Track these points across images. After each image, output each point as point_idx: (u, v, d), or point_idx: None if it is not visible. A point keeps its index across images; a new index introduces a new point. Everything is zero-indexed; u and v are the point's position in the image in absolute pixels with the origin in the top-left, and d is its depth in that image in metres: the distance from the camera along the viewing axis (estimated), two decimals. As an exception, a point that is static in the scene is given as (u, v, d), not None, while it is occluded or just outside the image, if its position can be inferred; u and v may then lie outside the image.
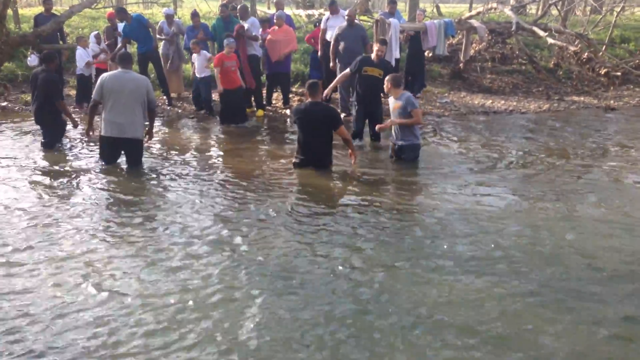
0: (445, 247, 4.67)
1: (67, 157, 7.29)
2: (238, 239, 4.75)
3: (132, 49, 11.39)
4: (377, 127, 7.61)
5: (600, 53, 13.56)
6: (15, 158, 7.17)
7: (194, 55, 10.02)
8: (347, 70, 8.25)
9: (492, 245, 4.70)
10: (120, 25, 10.93)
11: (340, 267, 4.27)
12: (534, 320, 3.60)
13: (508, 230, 5.05)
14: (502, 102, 11.69)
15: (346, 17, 9.84)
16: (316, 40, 10.70)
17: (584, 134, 9.19)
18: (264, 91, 10.73)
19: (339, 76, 8.57)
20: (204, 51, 10.19)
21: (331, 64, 10.01)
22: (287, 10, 13.81)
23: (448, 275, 4.18)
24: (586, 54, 13.18)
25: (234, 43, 9.35)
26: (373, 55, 8.05)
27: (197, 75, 10.00)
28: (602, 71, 13.10)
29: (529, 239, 4.86)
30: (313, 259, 4.41)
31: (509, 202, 5.79)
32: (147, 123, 7.01)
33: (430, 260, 4.43)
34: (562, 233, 5.01)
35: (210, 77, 10.01)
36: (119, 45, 10.36)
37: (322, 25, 10.67)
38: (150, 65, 10.76)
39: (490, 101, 11.69)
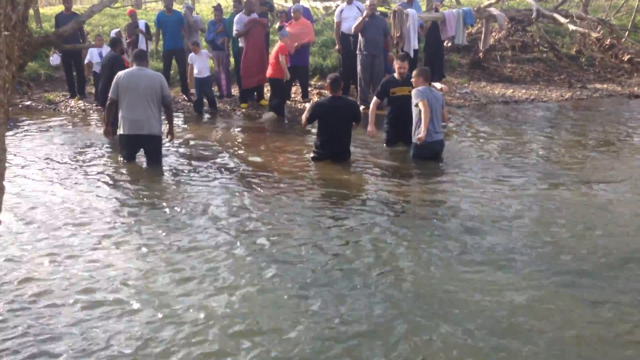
0: (471, 240, 4.65)
1: (89, 155, 7.37)
2: (262, 238, 4.77)
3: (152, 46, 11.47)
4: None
5: (623, 39, 13.33)
6: (38, 155, 7.28)
7: (193, 56, 9.84)
8: (376, 99, 7.47)
9: (520, 239, 4.66)
10: (141, 22, 11.06)
11: (365, 264, 4.28)
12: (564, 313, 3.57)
13: (536, 223, 5.01)
14: (523, 91, 11.56)
15: (368, 6, 9.82)
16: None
17: (608, 123, 9.06)
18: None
19: (372, 106, 7.48)
20: (204, 50, 10.15)
21: (337, 47, 10.62)
22: (304, 3, 13.78)
23: (476, 269, 4.16)
24: (608, 40, 12.95)
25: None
26: (396, 74, 7.47)
27: (199, 75, 9.81)
28: (625, 57, 12.85)
29: (564, 231, 4.82)
30: (339, 255, 4.42)
31: (535, 195, 5.74)
32: (166, 123, 7.04)
33: (461, 255, 4.41)
34: (591, 225, 4.96)
35: (210, 77, 10.11)
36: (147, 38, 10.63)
37: (336, 18, 10.67)
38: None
39: (511, 90, 11.58)
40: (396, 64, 7.55)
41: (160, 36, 10.80)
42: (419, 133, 6.71)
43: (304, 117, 7.08)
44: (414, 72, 7.09)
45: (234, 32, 9.95)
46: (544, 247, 4.50)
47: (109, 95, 6.79)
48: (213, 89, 11.03)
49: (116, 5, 12.86)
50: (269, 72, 9.62)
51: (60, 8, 14.59)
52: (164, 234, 4.81)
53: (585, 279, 3.98)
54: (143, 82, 6.63)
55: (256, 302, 3.71)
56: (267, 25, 10.42)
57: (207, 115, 9.92)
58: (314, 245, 4.57)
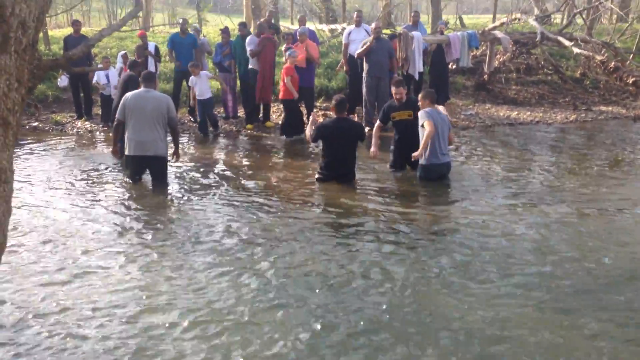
0: (475, 261, 4.63)
1: (96, 176, 7.41)
2: (267, 257, 4.76)
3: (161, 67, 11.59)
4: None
5: (628, 62, 13.38)
6: (43, 176, 7.31)
7: (193, 79, 9.92)
8: (379, 122, 7.54)
9: (525, 263, 4.64)
10: (151, 45, 11.21)
11: (368, 284, 4.26)
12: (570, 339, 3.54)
13: (541, 247, 4.99)
14: (528, 113, 11.59)
15: (373, 29, 9.91)
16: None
17: (614, 145, 9.05)
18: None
19: (375, 129, 7.52)
20: (204, 72, 10.18)
21: (345, 68, 10.66)
22: (310, 25, 13.93)
23: (481, 288, 4.14)
24: (613, 63, 13.01)
25: (296, 53, 9.56)
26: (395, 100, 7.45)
27: (201, 97, 9.88)
28: (630, 80, 12.90)
29: (565, 257, 4.79)
30: (341, 274, 4.40)
31: (540, 218, 5.71)
32: (172, 145, 7.08)
33: (465, 276, 4.39)
34: (596, 246, 4.93)
35: (212, 98, 10.16)
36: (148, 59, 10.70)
37: (344, 40, 10.83)
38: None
39: (516, 112, 11.60)
40: (392, 89, 7.49)
41: (173, 55, 10.99)
42: (424, 153, 6.73)
43: (307, 133, 7.14)
44: (420, 95, 7.12)
45: (248, 52, 10.04)
46: (546, 268, 4.47)
47: (116, 116, 6.85)
48: (219, 110, 11.14)
49: (124, 28, 13.04)
50: (280, 94, 9.79)
51: (69, 30, 14.80)
52: (167, 255, 4.81)
53: (586, 299, 3.95)
54: (150, 104, 6.68)
55: (255, 327, 3.69)
56: (276, 44, 10.62)
57: (212, 136, 9.97)
58: (317, 268, 4.55)
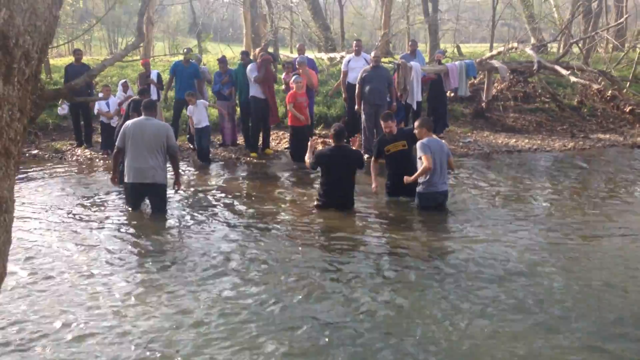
0: (471, 290, 4.60)
1: (94, 203, 7.41)
2: (264, 284, 4.74)
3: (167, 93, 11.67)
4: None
5: (625, 90, 13.49)
6: (43, 204, 7.31)
7: (190, 108, 9.97)
8: (373, 158, 7.45)
9: (519, 290, 4.62)
10: (154, 72, 11.31)
11: (366, 311, 4.23)
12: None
13: (537, 274, 4.97)
14: (526, 140, 11.64)
15: (372, 58, 10.00)
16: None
17: (612, 173, 9.08)
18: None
19: (372, 165, 7.44)
20: (201, 100, 10.16)
21: (356, 107, 10.15)
22: (309, 54, 14.07)
23: (472, 317, 4.11)
24: (610, 91, 13.13)
25: (301, 79, 9.68)
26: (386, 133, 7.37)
27: (198, 126, 9.92)
28: (627, 108, 13.01)
29: (562, 284, 4.77)
30: (339, 302, 4.37)
31: (538, 246, 5.70)
32: (172, 174, 7.06)
33: (460, 304, 4.36)
34: (597, 276, 4.91)
35: (209, 126, 10.16)
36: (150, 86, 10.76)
37: (343, 67, 10.93)
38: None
39: (514, 140, 11.66)
40: (382, 124, 7.46)
41: (173, 83, 11.07)
42: (422, 181, 6.76)
43: (307, 159, 7.18)
44: (416, 124, 7.13)
45: (253, 79, 10.12)
46: (544, 297, 4.45)
47: (116, 143, 6.86)
48: (217, 137, 11.17)
49: (127, 58, 13.16)
50: (288, 120, 9.97)
51: (70, 59, 14.93)
52: (166, 284, 4.78)
53: (583, 327, 3.92)
54: (149, 132, 6.71)
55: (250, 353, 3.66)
56: (274, 64, 10.81)
57: (212, 164, 9.99)
58: (316, 294, 4.53)
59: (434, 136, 7.08)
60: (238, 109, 11.13)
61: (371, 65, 9.97)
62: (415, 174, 6.73)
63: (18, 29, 2.10)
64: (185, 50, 10.89)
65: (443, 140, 7.15)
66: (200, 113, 9.89)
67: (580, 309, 4.27)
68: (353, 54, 10.96)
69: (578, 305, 4.34)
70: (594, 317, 4.13)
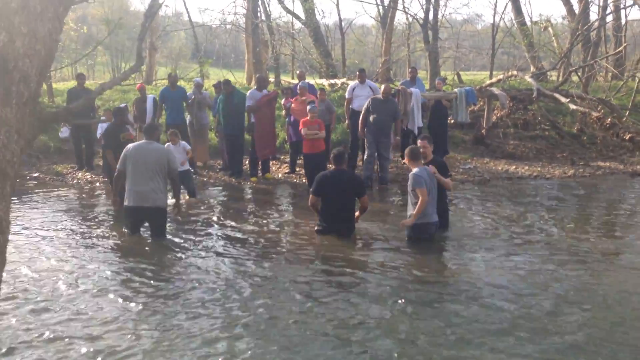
0: (471, 317, 4.56)
1: (93, 226, 7.39)
2: (262, 311, 4.70)
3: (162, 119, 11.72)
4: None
5: (624, 118, 13.55)
6: (41, 227, 7.29)
7: (171, 147, 8.76)
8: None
9: (517, 315, 4.58)
10: (150, 97, 11.36)
11: (367, 340, 4.19)
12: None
13: (537, 301, 4.93)
14: (526, 167, 11.65)
15: (382, 93, 9.97)
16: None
17: (613, 200, 9.07)
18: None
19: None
20: (183, 142, 9.39)
21: (359, 132, 10.14)
22: (310, 80, 14.17)
23: (478, 346, 4.07)
24: (609, 119, 13.19)
25: (316, 108, 9.56)
26: None
27: (179, 168, 8.15)
28: (627, 136, 13.06)
29: (562, 311, 4.74)
30: (338, 327, 4.34)
31: (536, 273, 5.67)
32: (172, 200, 7.02)
33: (459, 332, 4.32)
34: (596, 304, 4.87)
35: (190, 170, 9.45)
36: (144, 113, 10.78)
37: (347, 95, 10.95)
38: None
39: (514, 167, 11.67)
40: (418, 142, 7.17)
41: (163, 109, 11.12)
42: (414, 212, 6.51)
43: (311, 194, 6.98)
44: (406, 153, 6.83)
45: (247, 107, 10.15)
46: (545, 326, 4.41)
47: (117, 166, 6.87)
48: (218, 162, 11.17)
49: (127, 82, 13.28)
50: (303, 147, 9.69)
51: (73, 84, 15.06)
52: (163, 311, 4.74)
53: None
54: (151, 155, 6.72)
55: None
56: (276, 99, 10.78)
57: (212, 188, 9.98)
58: (314, 320, 4.49)
59: (422, 163, 6.76)
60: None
61: (381, 96, 9.93)
62: (414, 213, 6.47)
63: (17, 52, 2.12)
64: (168, 75, 11.00)
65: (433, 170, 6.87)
66: (180, 154, 8.90)
67: (581, 336, 4.23)
68: (357, 81, 10.98)
69: (578, 333, 4.30)
70: (596, 347, 4.09)
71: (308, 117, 9.41)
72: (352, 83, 11.59)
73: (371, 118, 9.81)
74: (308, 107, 9.52)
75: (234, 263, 5.94)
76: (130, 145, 6.92)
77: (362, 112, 10.01)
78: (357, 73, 11.26)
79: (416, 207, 6.45)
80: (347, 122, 11.05)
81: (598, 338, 4.22)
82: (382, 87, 10.27)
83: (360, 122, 10.07)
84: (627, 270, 5.77)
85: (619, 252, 6.39)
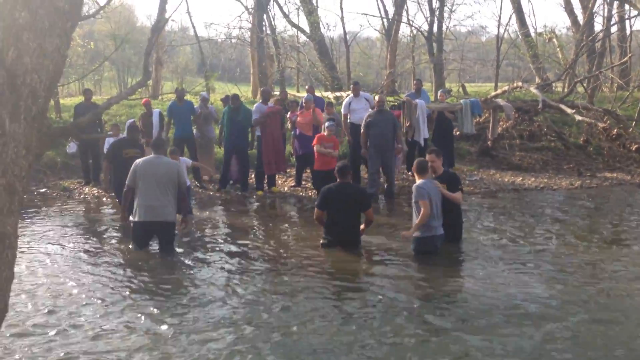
0: (476, 330, 4.54)
1: (101, 242, 7.40)
2: (267, 325, 4.69)
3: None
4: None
5: (630, 129, 13.51)
6: (48, 242, 7.31)
7: None
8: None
9: (526, 333, 4.54)
10: (156, 112, 11.41)
11: (365, 353, 4.16)
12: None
13: (546, 315, 4.90)
14: (533, 179, 11.62)
15: (377, 103, 9.94)
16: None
17: (620, 211, 9.02)
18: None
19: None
20: (184, 158, 9.40)
21: (362, 151, 10.01)
22: (315, 93, 14.20)
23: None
24: (615, 130, 13.15)
25: (334, 126, 9.50)
26: None
27: None
28: (633, 147, 13.01)
29: (570, 325, 4.70)
30: (342, 342, 4.31)
31: (545, 286, 5.63)
32: (179, 215, 6.98)
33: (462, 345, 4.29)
34: (603, 319, 4.83)
35: (190, 185, 9.40)
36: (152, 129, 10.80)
37: (343, 110, 10.82)
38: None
39: (521, 178, 11.64)
40: (427, 156, 7.12)
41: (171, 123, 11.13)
42: (418, 228, 6.53)
43: (316, 208, 6.98)
44: (413, 166, 6.88)
45: (253, 120, 10.18)
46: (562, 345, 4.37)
47: (126, 182, 6.87)
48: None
49: (134, 96, 13.36)
50: (315, 164, 9.73)
51: (80, 99, 15.15)
52: (171, 326, 4.73)
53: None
54: (161, 170, 6.73)
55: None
56: (283, 113, 10.76)
57: (219, 203, 9.99)
58: (318, 333, 4.47)
59: (428, 176, 6.75)
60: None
61: (376, 109, 9.90)
62: (416, 225, 6.49)
63: (26, 67, 2.14)
64: (175, 89, 11.03)
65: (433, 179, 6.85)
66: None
67: (591, 349, 4.19)
68: (352, 94, 10.93)
69: (588, 347, 4.26)
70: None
71: (325, 133, 9.34)
72: (347, 98, 11.40)
73: (371, 134, 9.74)
74: (326, 124, 9.45)
75: (237, 276, 5.93)
76: (139, 160, 6.91)
77: (362, 130, 9.89)
78: (352, 86, 11.21)
79: (418, 219, 6.44)
80: (348, 137, 10.85)
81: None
82: (376, 97, 10.22)
83: (361, 140, 9.96)
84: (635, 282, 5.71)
85: (626, 263, 6.33)
